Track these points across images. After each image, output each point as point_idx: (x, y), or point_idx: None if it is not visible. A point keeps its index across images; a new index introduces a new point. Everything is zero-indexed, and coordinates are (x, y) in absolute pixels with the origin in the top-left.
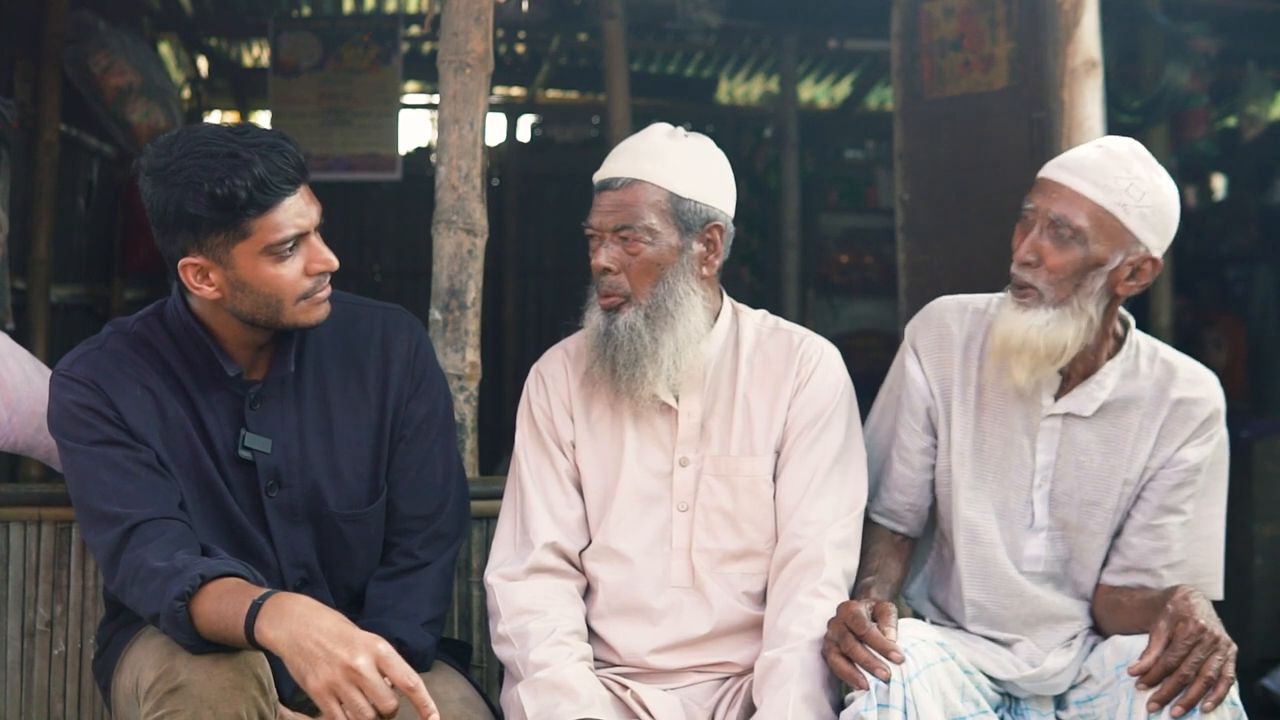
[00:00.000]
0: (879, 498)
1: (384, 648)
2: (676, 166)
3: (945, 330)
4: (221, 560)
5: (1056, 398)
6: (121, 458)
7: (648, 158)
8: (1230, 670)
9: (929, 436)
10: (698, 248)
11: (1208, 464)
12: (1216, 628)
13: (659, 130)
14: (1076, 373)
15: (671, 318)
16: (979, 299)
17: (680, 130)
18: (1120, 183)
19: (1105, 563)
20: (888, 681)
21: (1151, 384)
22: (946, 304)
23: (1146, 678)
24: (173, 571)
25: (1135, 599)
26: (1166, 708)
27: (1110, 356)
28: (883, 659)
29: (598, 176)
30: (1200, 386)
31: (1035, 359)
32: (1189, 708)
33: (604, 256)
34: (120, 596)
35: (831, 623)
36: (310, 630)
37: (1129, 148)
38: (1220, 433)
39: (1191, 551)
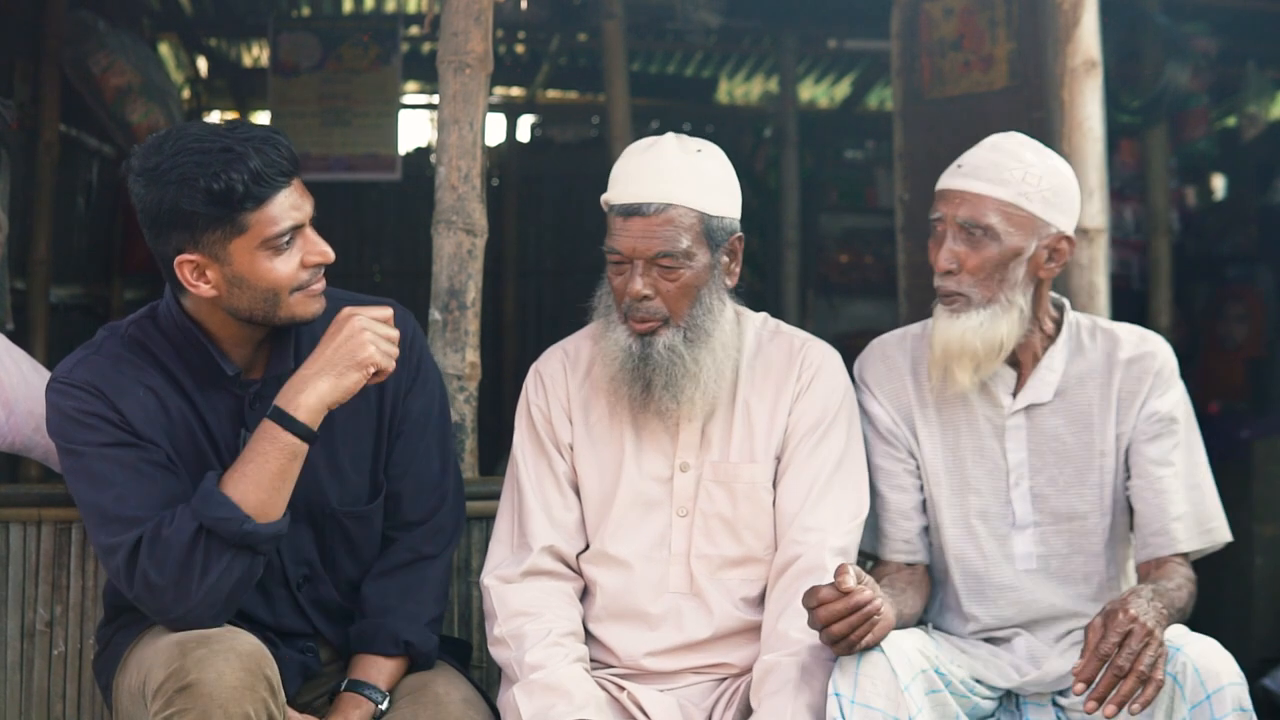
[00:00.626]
0: (885, 535)
1: (360, 318)
2: (702, 186)
3: (890, 361)
4: (203, 484)
5: (1015, 395)
6: (134, 459)
7: (672, 180)
8: (1160, 672)
9: (911, 459)
10: (724, 260)
11: (1181, 414)
12: (1150, 621)
13: (670, 146)
14: (1026, 365)
15: (709, 336)
16: (914, 326)
17: (690, 143)
18: (1015, 174)
19: (1128, 543)
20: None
21: (1099, 354)
22: (884, 338)
23: (1082, 674)
24: (192, 521)
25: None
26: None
27: (1052, 339)
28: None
29: (619, 199)
30: (1146, 343)
31: (976, 360)
32: (1121, 705)
33: (640, 284)
34: (141, 590)
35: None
36: (320, 370)
37: (1014, 140)
38: (1178, 384)
39: (1190, 501)
